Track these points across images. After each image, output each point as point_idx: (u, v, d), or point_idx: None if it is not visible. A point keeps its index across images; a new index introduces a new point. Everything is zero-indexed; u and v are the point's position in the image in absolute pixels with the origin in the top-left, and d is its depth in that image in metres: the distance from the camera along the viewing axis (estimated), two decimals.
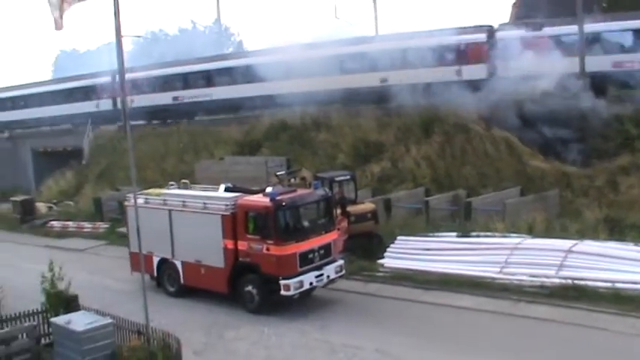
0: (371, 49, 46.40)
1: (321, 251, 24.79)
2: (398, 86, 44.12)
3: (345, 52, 46.91)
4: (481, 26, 45.74)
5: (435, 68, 44.34)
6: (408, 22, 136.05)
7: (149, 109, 59.89)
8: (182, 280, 27.14)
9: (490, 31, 44.74)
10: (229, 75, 56.07)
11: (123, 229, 34.20)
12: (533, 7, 48.85)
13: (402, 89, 43.46)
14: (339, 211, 28.08)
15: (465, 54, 44.50)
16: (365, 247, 29.67)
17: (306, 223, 25.07)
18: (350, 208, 29.66)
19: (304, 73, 46.04)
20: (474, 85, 41.78)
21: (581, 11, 39.49)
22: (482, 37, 44.46)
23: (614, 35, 41.00)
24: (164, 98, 58.95)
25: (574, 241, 25.80)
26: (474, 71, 43.78)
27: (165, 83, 59.46)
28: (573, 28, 40.47)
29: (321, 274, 24.70)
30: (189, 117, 59.11)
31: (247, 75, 53.14)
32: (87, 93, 66.22)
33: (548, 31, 41.71)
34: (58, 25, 19.64)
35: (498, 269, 25.79)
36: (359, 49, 46.87)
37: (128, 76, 59.37)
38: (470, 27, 45.96)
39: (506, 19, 58.41)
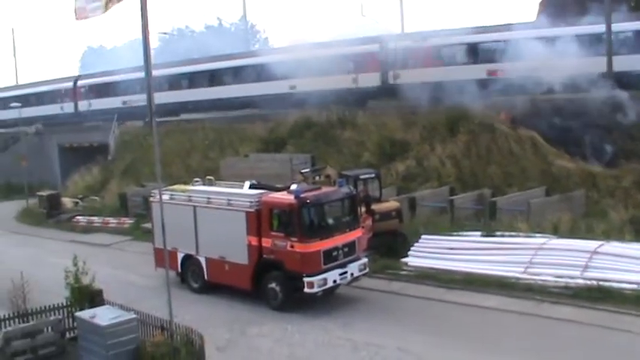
0: (284, 59, 50.07)
1: (345, 249, 24.79)
2: (306, 92, 48.39)
3: (264, 60, 53.32)
4: (375, 37, 50.23)
5: (335, 76, 47.81)
6: (435, 19, 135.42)
7: (104, 111, 66.24)
8: (206, 277, 27.24)
9: (382, 42, 48.92)
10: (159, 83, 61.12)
11: (148, 225, 34.35)
12: (560, 6, 48.53)
13: (309, 95, 47.66)
14: (363, 209, 28.07)
15: (361, 63, 48.68)
16: (389, 245, 29.66)
17: (330, 221, 25.07)
18: (374, 207, 29.63)
19: (222, 82, 56.30)
20: (368, 92, 47.99)
21: (609, 9, 39.15)
22: (375, 47, 48.86)
23: (492, 45, 44.71)
24: (115, 102, 66.04)
25: (599, 242, 25.66)
26: (368, 79, 48.31)
27: (113, 89, 67.28)
28: (455, 39, 45.57)
29: (345, 272, 24.70)
30: (137, 119, 62.58)
31: (173, 83, 61.81)
32: (53, 97, 71.76)
33: (432, 41, 46.01)
34: (79, 15, 19.74)
35: (522, 269, 25.71)
36: (273, 59, 52.36)
37: (86, 82, 71.37)
38: (366, 37, 50.63)
39: (533, 17, 57.89)
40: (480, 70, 43.79)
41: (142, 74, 59.57)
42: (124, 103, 65.77)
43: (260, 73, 53.48)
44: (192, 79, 61.74)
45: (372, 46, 49.11)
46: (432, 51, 45.95)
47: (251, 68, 55.45)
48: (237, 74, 56.95)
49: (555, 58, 37.87)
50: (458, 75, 43.26)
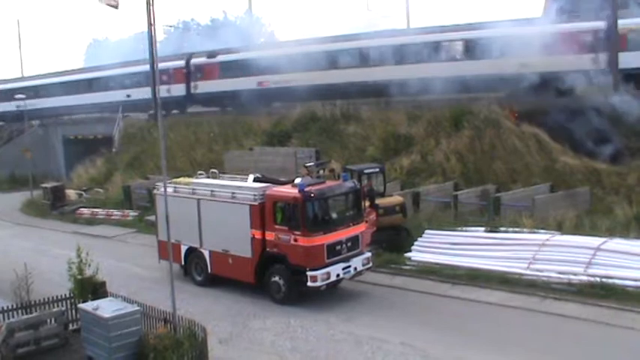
0: (120, 72, 64.56)
1: (349, 243, 24.80)
2: (140, 100, 60.73)
3: (109, 74, 65.97)
4: (183, 55, 62.71)
5: (170, 86, 59.85)
6: (441, 13, 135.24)
7: (5, 113, 76.38)
8: (209, 270, 27.26)
9: (188, 58, 60.71)
10: (45, 90, 71.94)
11: (151, 217, 34.42)
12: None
13: (142, 103, 60.05)
14: (367, 203, 28.05)
15: (173, 76, 60.32)
16: (392, 240, 29.67)
17: (334, 215, 25.04)
18: (378, 201, 29.60)
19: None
20: (178, 100, 60.29)
21: (615, 6, 38.98)
22: (182, 63, 60.73)
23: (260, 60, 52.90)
24: (9, 106, 73.69)
25: (603, 239, 25.63)
26: (177, 89, 60.17)
27: (6, 94, 74.94)
28: (233, 56, 56.33)
29: (349, 266, 24.70)
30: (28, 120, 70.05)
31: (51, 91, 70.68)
32: None
33: (220, 58, 57.41)
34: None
35: (526, 265, 25.69)
36: (112, 73, 65.83)
37: None
38: (176, 55, 62.79)
39: (539, 11, 57.69)
40: (250, 82, 54.11)
41: (25, 83, 75.28)
42: (18, 107, 73.00)
43: (93, 86, 66.44)
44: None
45: (180, 62, 60.90)
46: (218, 66, 57.60)
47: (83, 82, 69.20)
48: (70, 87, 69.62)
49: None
50: (237, 85, 54.61)
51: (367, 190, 28.95)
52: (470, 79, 41.99)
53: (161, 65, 56.83)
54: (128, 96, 63.50)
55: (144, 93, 59.96)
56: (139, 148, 56.68)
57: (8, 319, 20.67)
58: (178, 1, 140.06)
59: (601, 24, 39.67)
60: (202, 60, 59.55)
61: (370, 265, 25.78)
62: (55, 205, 48.29)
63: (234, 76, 55.24)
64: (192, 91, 60.09)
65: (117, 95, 64.45)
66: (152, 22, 20.03)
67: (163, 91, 57.53)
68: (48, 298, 21.77)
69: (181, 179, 29.45)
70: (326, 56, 49.88)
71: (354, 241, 25.10)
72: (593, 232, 27.91)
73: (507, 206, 32.58)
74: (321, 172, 30.34)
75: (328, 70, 49.11)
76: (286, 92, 51.51)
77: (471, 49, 44.34)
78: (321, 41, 51.42)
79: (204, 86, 58.99)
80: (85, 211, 46.29)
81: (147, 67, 58.85)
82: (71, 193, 51.22)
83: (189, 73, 60.36)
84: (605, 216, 31.22)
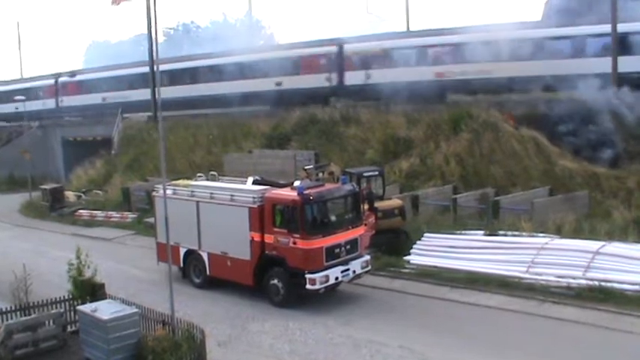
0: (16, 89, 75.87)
1: (348, 246, 24.77)
2: (31, 111, 70.30)
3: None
4: (53, 74, 76.77)
5: (45, 100, 75.82)
6: (441, 15, 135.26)
7: None
8: (208, 272, 27.23)
9: (57, 78, 75.58)
10: None
11: (150, 220, 34.38)
12: (567, 5, 48.45)
13: (33, 114, 71.23)
14: (366, 206, 28.03)
15: (46, 92, 76.74)
16: (391, 243, 29.63)
17: (333, 218, 25.01)
18: (377, 204, 29.58)
19: None
20: (50, 112, 73.70)
21: (615, 11, 39.05)
22: (52, 82, 75.78)
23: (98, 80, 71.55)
24: None
25: (602, 243, 25.61)
26: (50, 103, 75.19)
27: None
28: (86, 76, 72.67)
29: (347, 269, 24.68)
30: None
31: None
32: None
33: (77, 78, 73.09)
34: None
35: (525, 269, 25.67)
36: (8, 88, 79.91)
37: None
38: (49, 75, 77.84)
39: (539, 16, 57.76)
40: (98, 98, 68.66)
41: None
42: None
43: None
44: None
45: (51, 81, 75.51)
46: (76, 84, 72.65)
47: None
48: None
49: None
50: (89, 100, 69.48)
51: (366, 193, 28.95)
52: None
53: (37, 84, 77.24)
54: (16, 108, 72.48)
55: (33, 105, 71.96)
56: (139, 150, 56.68)
57: (7, 320, 20.65)
58: (180, 3, 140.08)
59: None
60: (66, 79, 74.80)
61: (369, 268, 25.76)
62: (54, 207, 48.21)
63: (86, 92, 71.14)
64: (60, 104, 74.85)
65: (6, 107, 76.57)
66: (152, 21, 20.07)
67: (39, 104, 74.57)
68: (46, 300, 21.74)
69: (180, 181, 29.47)
70: (139, 78, 62.81)
71: (353, 244, 25.08)
72: (591, 235, 27.89)
73: (506, 210, 32.58)
74: (321, 174, 30.44)
75: (144, 89, 60.25)
76: (123, 105, 63.14)
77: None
78: (141, 64, 62.20)
79: (67, 101, 73.97)
80: (84, 212, 46.22)
81: (33, 84, 77.15)
82: (70, 195, 51.17)
83: (57, 90, 75.36)
84: (603, 220, 31.21)
